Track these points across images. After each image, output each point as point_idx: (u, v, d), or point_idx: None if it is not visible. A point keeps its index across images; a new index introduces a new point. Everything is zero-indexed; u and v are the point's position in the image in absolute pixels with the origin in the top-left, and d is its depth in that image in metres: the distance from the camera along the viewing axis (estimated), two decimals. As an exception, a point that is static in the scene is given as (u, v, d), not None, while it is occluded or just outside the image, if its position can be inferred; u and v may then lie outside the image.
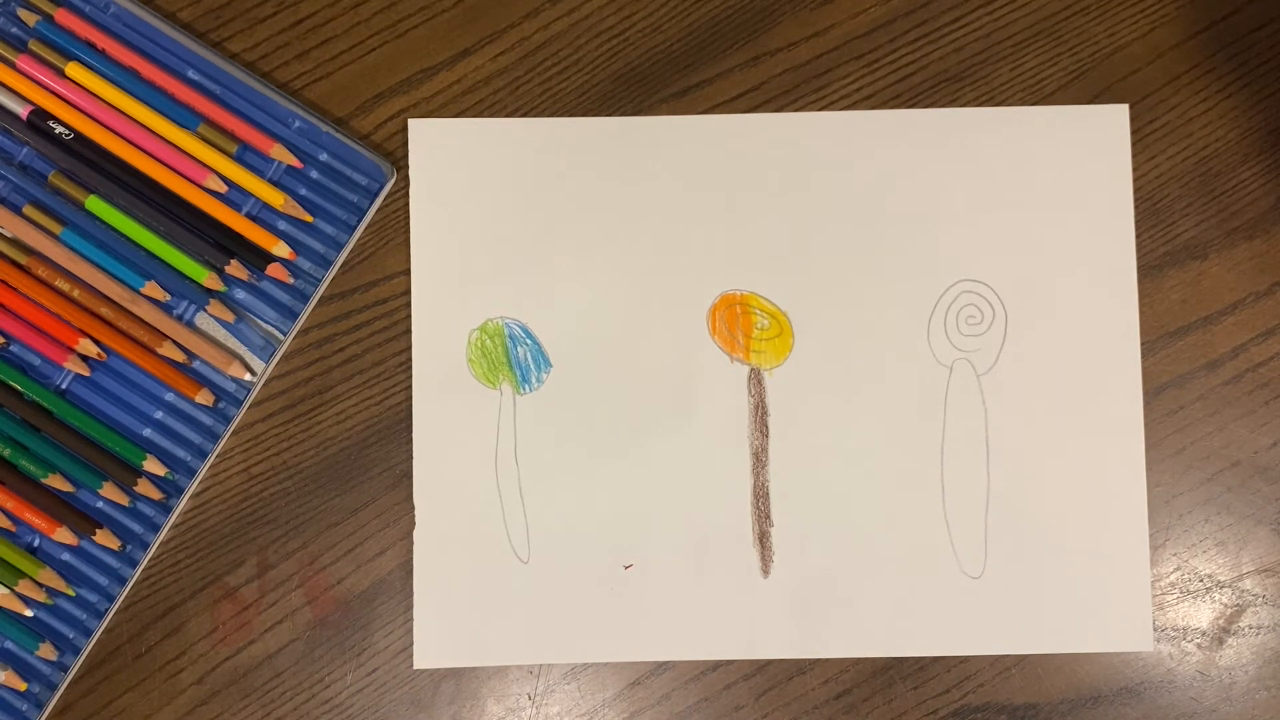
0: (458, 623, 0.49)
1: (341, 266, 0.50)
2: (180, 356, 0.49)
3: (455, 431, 0.49)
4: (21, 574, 0.48)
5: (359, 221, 0.50)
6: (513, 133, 0.51)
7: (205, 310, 0.49)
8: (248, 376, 0.49)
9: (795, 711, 0.49)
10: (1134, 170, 0.50)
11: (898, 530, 0.49)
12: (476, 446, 0.50)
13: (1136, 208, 0.50)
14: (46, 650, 0.48)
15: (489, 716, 0.49)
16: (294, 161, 0.50)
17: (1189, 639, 0.49)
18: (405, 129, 0.51)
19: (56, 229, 0.49)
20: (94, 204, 0.49)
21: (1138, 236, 0.50)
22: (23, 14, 0.50)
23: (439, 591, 0.49)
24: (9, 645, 0.48)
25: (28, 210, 0.49)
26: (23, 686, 0.48)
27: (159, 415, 0.49)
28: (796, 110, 0.51)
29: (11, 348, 0.49)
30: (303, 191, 0.50)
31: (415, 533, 0.49)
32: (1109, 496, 0.49)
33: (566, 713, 0.49)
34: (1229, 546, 0.49)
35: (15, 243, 0.49)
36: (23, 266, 0.49)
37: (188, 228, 0.49)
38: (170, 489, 0.49)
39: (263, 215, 0.50)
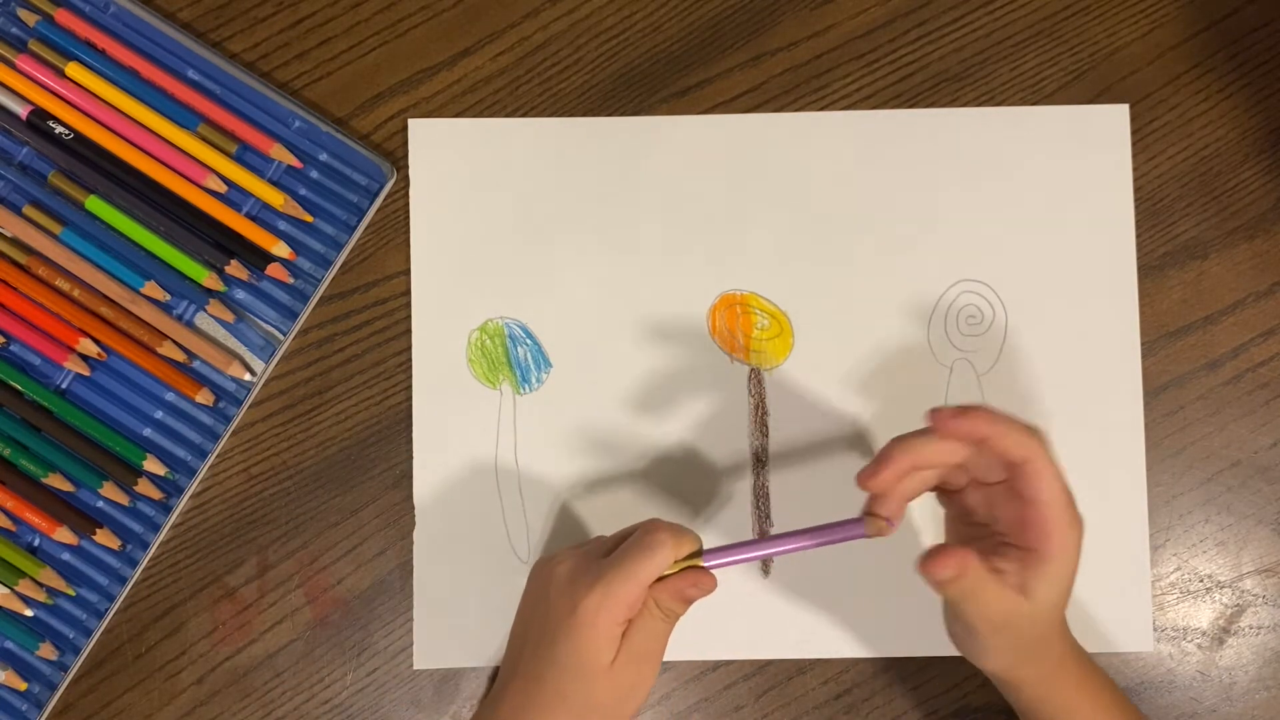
0: (458, 623, 0.49)
1: (341, 266, 0.50)
2: (180, 356, 0.49)
3: (455, 431, 0.49)
4: (21, 574, 0.48)
5: (359, 221, 0.50)
6: (513, 133, 0.51)
7: (205, 310, 0.49)
8: (248, 376, 0.49)
9: (795, 711, 0.49)
10: (1134, 170, 0.50)
11: (898, 530, 0.49)
12: (476, 446, 0.49)
13: (1136, 208, 0.50)
14: (46, 650, 0.48)
15: (489, 716, 0.49)
16: (294, 161, 0.50)
17: (1189, 639, 0.49)
18: (405, 129, 0.51)
19: (56, 229, 0.49)
20: (94, 204, 0.49)
21: (1138, 236, 0.50)
22: (23, 14, 0.50)
23: (439, 591, 0.49)
24: (9, 645, 0.48)
25: (28, 210, 0.49)
26: (23, 686, 0.48)
27: (159, 415, 0.49)
28: (796, 110, 0.51)
29: (11, 348, 0.49)
30: (303, 191, 0.50)
31: (415, 533, 0.49)
32: (1109, 496, 0.49)
33: (566, 713, 0.49)
34: (1229, 546, 0.49)
35: (15, 243, 0.49)
36: (23, 266, 0.49)
37: (188, 228, 0.49)
38: (170, 489, 0.49)
39: (263, 215, 0.50)
